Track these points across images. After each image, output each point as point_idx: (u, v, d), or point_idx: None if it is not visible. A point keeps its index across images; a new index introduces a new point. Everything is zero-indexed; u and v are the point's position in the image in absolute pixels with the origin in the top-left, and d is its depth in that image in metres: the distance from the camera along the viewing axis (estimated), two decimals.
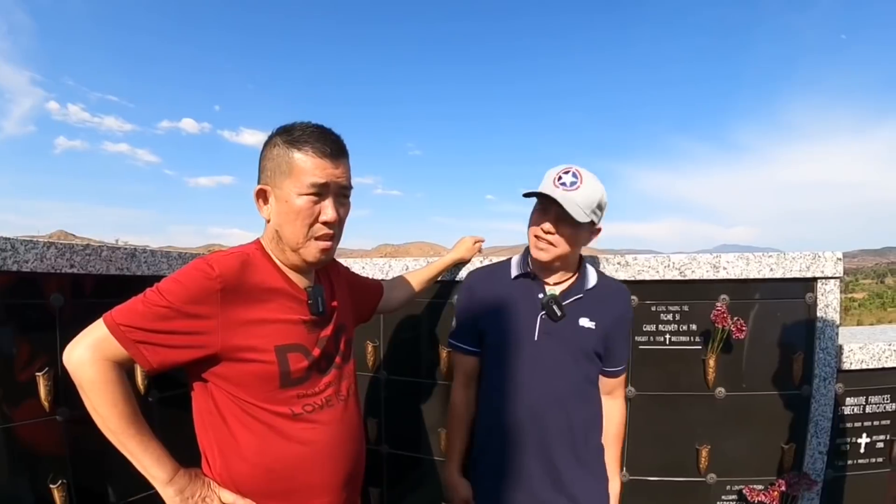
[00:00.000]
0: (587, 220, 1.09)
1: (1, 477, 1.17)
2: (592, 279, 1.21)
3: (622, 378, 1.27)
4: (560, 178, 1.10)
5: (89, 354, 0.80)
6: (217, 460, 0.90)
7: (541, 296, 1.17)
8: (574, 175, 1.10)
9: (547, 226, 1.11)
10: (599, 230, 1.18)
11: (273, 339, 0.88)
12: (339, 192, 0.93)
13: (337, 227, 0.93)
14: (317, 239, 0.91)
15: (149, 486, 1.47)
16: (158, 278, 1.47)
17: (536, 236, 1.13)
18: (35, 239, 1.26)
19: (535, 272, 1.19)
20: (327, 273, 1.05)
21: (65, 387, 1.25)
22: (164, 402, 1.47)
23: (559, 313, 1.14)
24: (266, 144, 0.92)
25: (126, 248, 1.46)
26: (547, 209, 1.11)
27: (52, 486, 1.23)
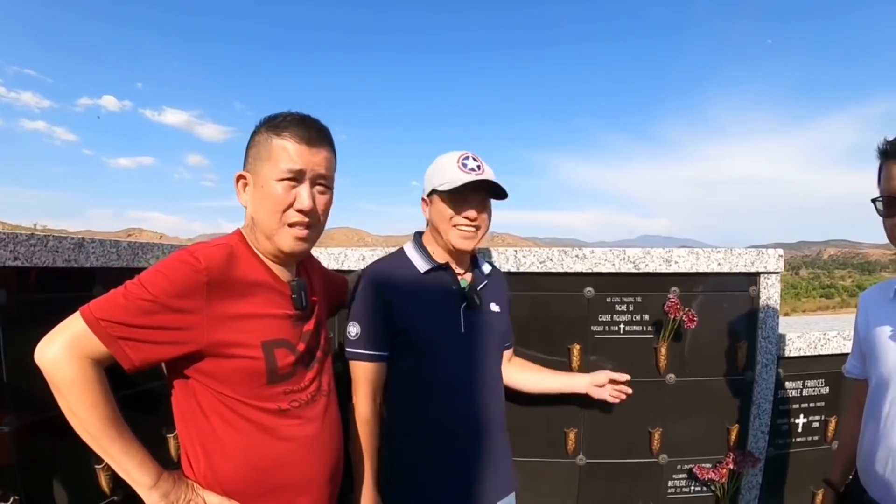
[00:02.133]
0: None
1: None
2: (486, 266, 1.28)
3: (512, 350, 1.39)
4: (465, 164, 1.12)
5: (66, 352, 0.75)
6: (201, 460, 0.87)
7: (455, 287, 1.17)
8: (475, 159, 1.14)
9: (473, 213, 1.12)
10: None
11: (259, 335, 0.86)
12: (317, 181, 0.90)
13: (313, 216, 0.90)
14: (290, 226, 0.88)
15: (106, 496, 1.41)
16: (108, 270, 1.43)
17: (457, 225, 1.13)
18: None
19: (447, 263, 1.19)
20: (305, 266, 1.03)
21: (11, 394, 1.16)
22: (125, 400, 1.41)
23: (479, 301, 1.17)
24: (252, 133, 0.92)
25: (73, 239, 1.39)
26: (467, 197, 1.11)
27: (2, 503, 1.15)
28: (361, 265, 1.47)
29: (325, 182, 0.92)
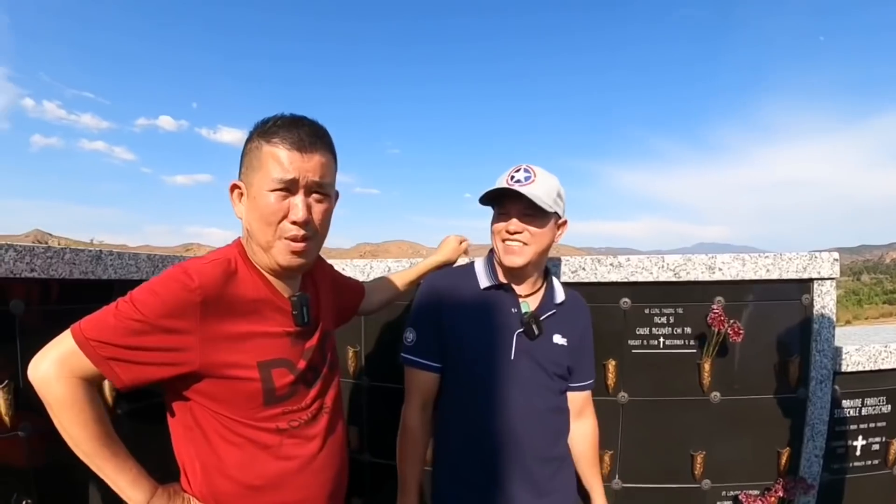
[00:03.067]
0: (552, 208, 1.05)
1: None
2: (560, 292, 1.17)
3: (590, 395, 1.23)
4: (513, 176, 1.06)
5: (55, 370, 0.74)
6: (198, 476, 0.85)
7: (514, 310, 1.11)
8: (526, 171, 1.07)
9: (514, 224, 1.05)
10: (566, 223, 1.14)
11: (256, 355, 0.83)
12: (313, 189, 0.84)
13: (310, 227, 0.84)
14: (286, 239, 0.82)
15: (122, 502, 1.41)
16: (126, 282, 1.42)
17: (504, 240, 1.07)
18: (8, 242, 1.19)
19: (507, 282, 1.12)
20: (312, 274, 0.99)
21: (27, 401, 1.16)
22: (133, 414, 1.40)
23: (537, 332, 1.09)
24: (245, 140, 0.87)
25: (90, 251, 1.38)
26: (508, 210, 1.06)
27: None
28: None
29: (321, 190, 0.85)
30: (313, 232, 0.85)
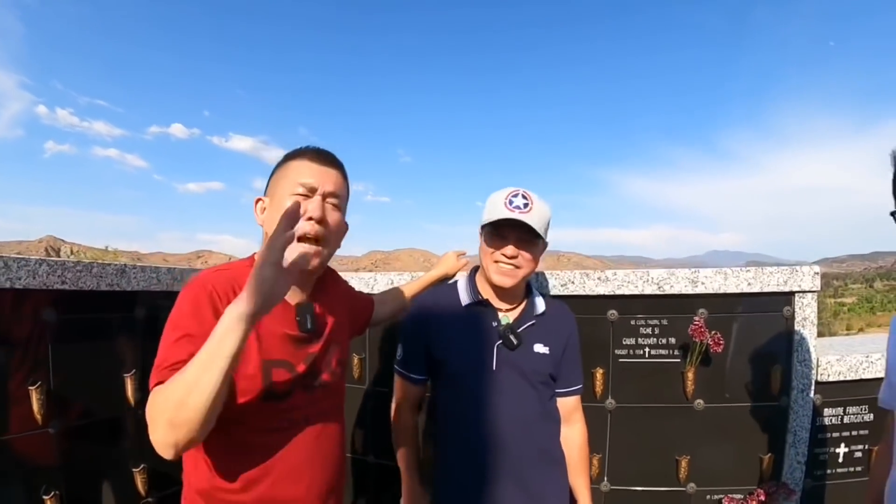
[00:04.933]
0: (545, 236, 1.13)
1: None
2: (541, 304, 1.22)
3: (578, 399, 1.27)
4: (511, 201, 1.11)
5: (170, 434, 0.73)
6: (195, 471, 0.89)
7: (494, 324, 1.17)
8: (524, 197, 1.12)
9: (510, 250, 1.11)
10: (546, 245, 1.21)
11: (260, 354, 0.88)
12: (328, 197, 0.94)
13: (323, 229, 0.92)
14: (300, 240, 0.88)
15: (141, 497, 1.49)
16: (149, 294, 1.52)
17: (497, 261, 1.13)
18: (26, 256, 1.29)
19: (487, 299, 1.18)
20: (325, 286, 1.04)
21: (57, 400, 1.28)
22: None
23: (516, 342, 1.14)
24: (275, 166, 0.99)
25: (116, 265, 1.48)
26: (505, 234, 1.12)
27: (45, 497, 1.25)
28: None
29: (336, 201, 0.95)
30: (325, 236, 0.92)
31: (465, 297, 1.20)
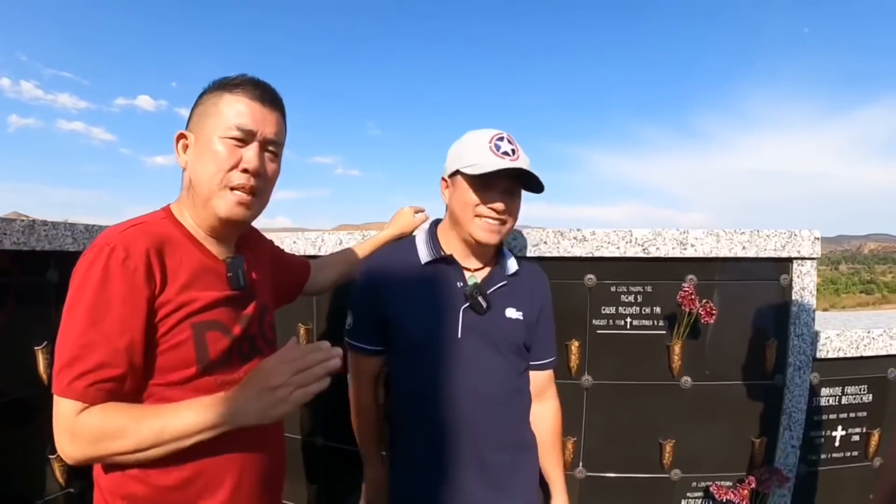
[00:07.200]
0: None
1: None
2: (513, 263, 1.08)
3: (552, 374, 1.14)
4: (498, 146, 0.98)
5: (79, 448, 0.71)
6: (106, 471, 0.76)
7: (460, 284, 1.03)
8: (510, 141, 1.00)
9: (501, 205, 0.98)
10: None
11: (189, 316, 0.77)
12: (267, 145, 0.83)
13: (260, 181, 0.82)
14: (232, 189, 0.80)
15: (62, 487, 1.32)
16: (62, 254, 1.34)
17: (481, 215, 0.99)
18: None
19: (451, 255, 1.04)
20: (250, 245, 0.95)
21: None
22: None
23: (485, 305, 1.01)
24: (200, 94, 0.85)
25: (23, 221, 1.29)
26: (494, 184, 0.98)
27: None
28: (338, 250, 1.33)
29: (274, 148, 0.85)
30: (262, 187, 0.83)
31: (424, 254, 1.05)
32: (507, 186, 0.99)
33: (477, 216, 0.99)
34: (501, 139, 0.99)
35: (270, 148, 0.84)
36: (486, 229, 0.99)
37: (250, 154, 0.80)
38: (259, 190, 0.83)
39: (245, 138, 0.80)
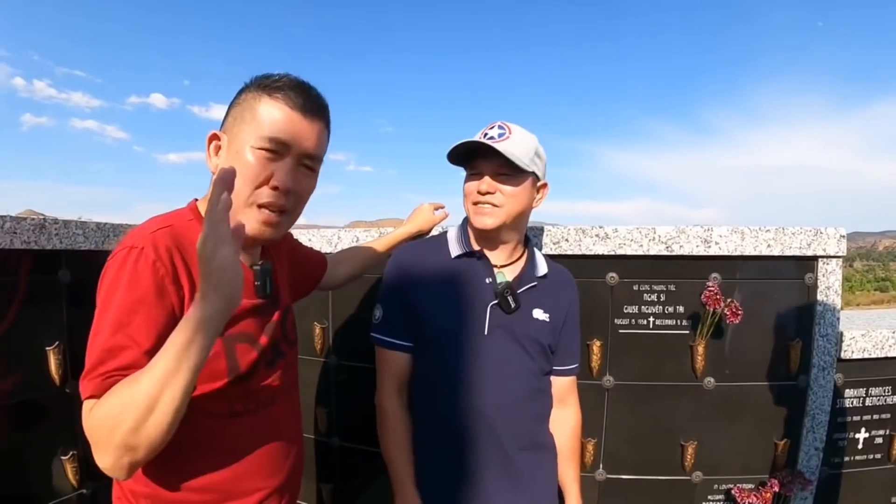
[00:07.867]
0: (528, 167, 0.96)
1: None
2: (543, 264, 1.07)
3: (574, 381, 1.12)
4: (486, 133, 0.96)
5: (115, 455, 0.61)
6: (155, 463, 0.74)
7: (489, 280, 1.01)
8: (501, 127, 0.97)
9: (485, 184, 0.96)
10: (546, 186, 1.04)
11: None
12: (303, 159, 0.75)
13: (290, 198, 0.75)
14: (259, 206, 0.73)
15: (74, 488, 1.28)
16: (72, 252, 1.31)
17: (475, 202, 0.98)
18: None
19: (480, 249, 1.03)
20: (273, 244, 0.91)
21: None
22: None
23: (514, 304, 0.99)
24: (239, 91, 0.77)
25: (34, 220, 1.27)
26: (480, 168, 0.97)
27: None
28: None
29: (311, 164, 0.77)
30: (292, 206, 0.76)
31: (455, 248, 1.03)
32: (495, 169, 0.96)
33: (472, 203, 0.98)
34: (493, 127, 0.97)
35: (307, 162, 0.76)
36: (476, 213, 0.98)
37: (282, 171, 0.73)
38: (289, 208, 0.76)
39: (279, 150, 0.73)
